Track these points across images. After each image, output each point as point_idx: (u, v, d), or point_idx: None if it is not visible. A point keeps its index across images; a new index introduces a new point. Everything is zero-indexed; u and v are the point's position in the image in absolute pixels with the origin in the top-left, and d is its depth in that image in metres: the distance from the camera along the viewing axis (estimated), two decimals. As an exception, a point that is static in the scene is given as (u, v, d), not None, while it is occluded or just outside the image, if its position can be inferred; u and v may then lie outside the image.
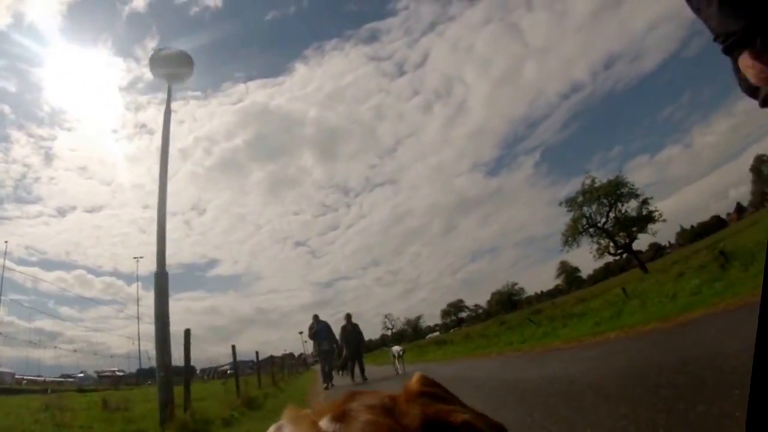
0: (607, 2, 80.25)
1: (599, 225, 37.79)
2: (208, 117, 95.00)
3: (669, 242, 65.52)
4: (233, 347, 12.54)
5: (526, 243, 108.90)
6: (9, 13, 68.09)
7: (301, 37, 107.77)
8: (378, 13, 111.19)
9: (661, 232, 68.78)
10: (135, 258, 51.20)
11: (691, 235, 58.46)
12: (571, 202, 38.59)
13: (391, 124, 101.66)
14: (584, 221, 37.85)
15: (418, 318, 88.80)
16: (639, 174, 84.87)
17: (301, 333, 52.33)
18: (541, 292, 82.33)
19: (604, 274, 67.21)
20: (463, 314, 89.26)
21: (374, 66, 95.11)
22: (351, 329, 14.16)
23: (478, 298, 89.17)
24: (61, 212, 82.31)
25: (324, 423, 0.43)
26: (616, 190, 37.03)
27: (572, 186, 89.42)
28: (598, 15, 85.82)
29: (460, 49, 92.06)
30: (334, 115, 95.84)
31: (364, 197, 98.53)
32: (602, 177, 38.40)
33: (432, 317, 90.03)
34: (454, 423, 0.43)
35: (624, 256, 41.68)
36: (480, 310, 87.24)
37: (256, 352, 17.61)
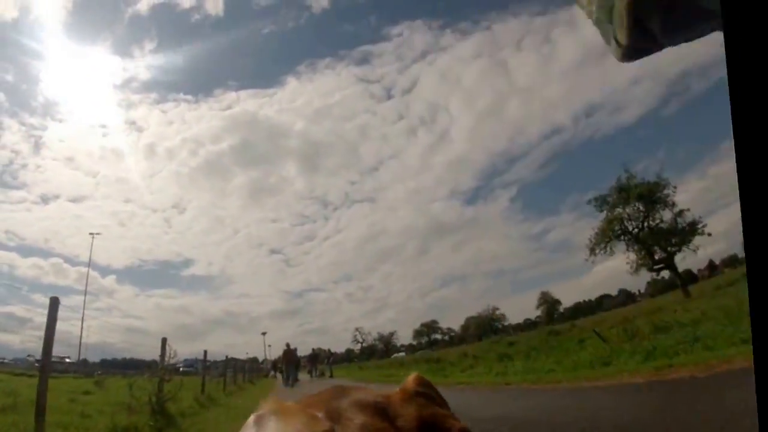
0: (593, 53, 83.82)
1: (632, 232, 31.77)
2: (197, 120, 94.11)
3: (639, 290, 64.40)
4: (205, 352, 14.83)
5: (495, 274, 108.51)
6: (16, 6, 66.79)
7: (295, 52, 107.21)
8: (373, 37, 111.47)
9: (628, 281, 70.51)
10: (91, 234, 50.77)
11: (661, 287, 58.47)
12: (601, 201, 32.79)
13: (375, 144, 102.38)
14: (617, 226, 31.83)
15: (391, 334, 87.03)
16: None
17: (264, 334, 51.07)
18: (524, 320, 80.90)
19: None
20: (437, 336, 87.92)
21: (363, 87, 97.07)
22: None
23: (446, 323, 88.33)
24: (45, 200, 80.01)
25: (319, 419, 0.39)
26: (653, 194, 30.71)
27: (545, 224, 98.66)
28: (583, 64, 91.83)
29: (448, 80, 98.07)
30: (320, 129, 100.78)
31: (342, 212, 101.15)
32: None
33: (403, 337, 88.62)
34: (451, 430, 0.41)
35: (658, 275, 36.22)
36: (453, 334, 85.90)
37: (227, 356, 20.57)
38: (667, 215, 31.55)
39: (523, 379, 9.70)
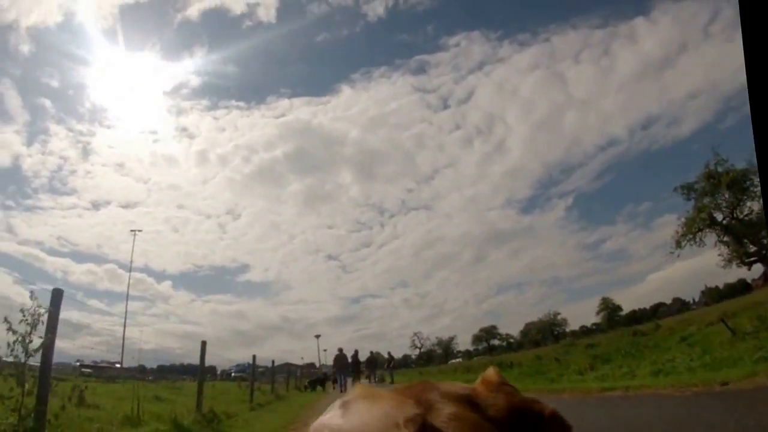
0: (651, 66, 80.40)
1: (722, 222, 29.17)
2: (250, 127, 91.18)
3: (693, 299, 61.52)
4: (254, 357, 14.67)
5: (550, 282, 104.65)
6: (60, 11, 63.25)
7: (350, 60, 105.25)
8: (430, 46, 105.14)
9: (680, 290, 70.19)
10: (132, 231, 50.84)
11: (716, 295, 54.48)
12: (689, 189, 30.33)
13: (431, 153, 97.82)
14: (706, 215, 29.02)
15: (451, 339, 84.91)
16: (666, 230, 78.85)
17: (317, 337, 50.94)
18: (580, 327, 77.30)
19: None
20: (495, 341, 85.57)
21: (419, 97, 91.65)
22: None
23: (502, 329, 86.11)
24: (96, 206, 77.83)
25: (409, 407, 0.39)
26: (744, 181, 27.53)
27: (601, 234, 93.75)
28: (641, 77, 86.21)
29: (504, 91, 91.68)
30: (376, 138, 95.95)
31: (399, 219, 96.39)
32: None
33: (460, 343, 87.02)
34: (543, 413, 0.43)
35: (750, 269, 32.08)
36: (511, 340, 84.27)
37: (273, 361, 20.53)
38: (755, 206, 27.95)
39: (642, 383, 7.94)
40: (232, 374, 34.81)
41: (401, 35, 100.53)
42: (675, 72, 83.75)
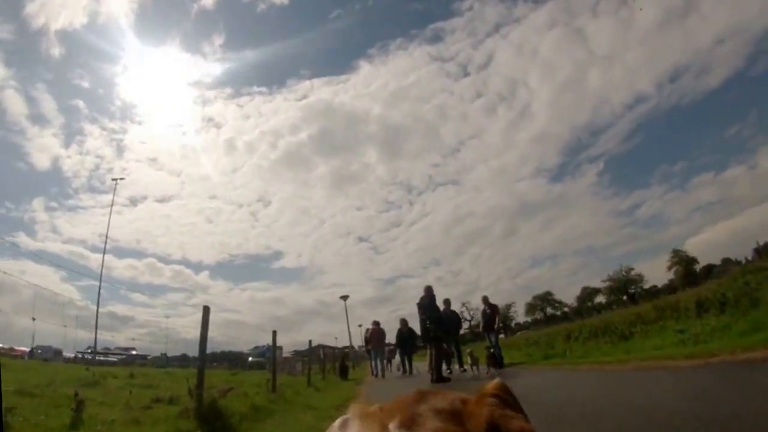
0: (674, 13, 76.72)
1: None
2: (273, 112, 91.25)
3: (746, 257, 52.87)
4: (274, 334, 10.31)
5: (585, 252, 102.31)
6: (84, 13, 65.44)
7: (365, 35, 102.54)
8: (443, 13, 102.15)
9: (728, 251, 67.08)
10: (113, 179, 48.71)
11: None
12: None
13: (455, 124, 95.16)
14: None
15: (509, 306, 79.32)
16: (703, 191, 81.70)
17: (360, 326, 46.68)
18: (651, 287, 70.05)
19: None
20: (550, 310, 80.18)
21: (438, 66, 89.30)
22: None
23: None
24: (133, 202, 79.85)
25: (393, 426, 0.43)
26: None
27: (635, 198, 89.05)
28: (664, 25, 79.64)
29: (524, 53, 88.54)
30: (398, 113, 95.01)
31: (427, 196, 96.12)
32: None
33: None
34: (512, 429, 0.44)
35: None
36: (565, 308, 78.88)
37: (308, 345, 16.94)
38: None
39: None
40: (249, 359, 30.14)
41: (413, 4, 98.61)
42: (699, 16, 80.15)
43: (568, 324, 38.53)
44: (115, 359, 28.89)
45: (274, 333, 10.28)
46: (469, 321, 68.35)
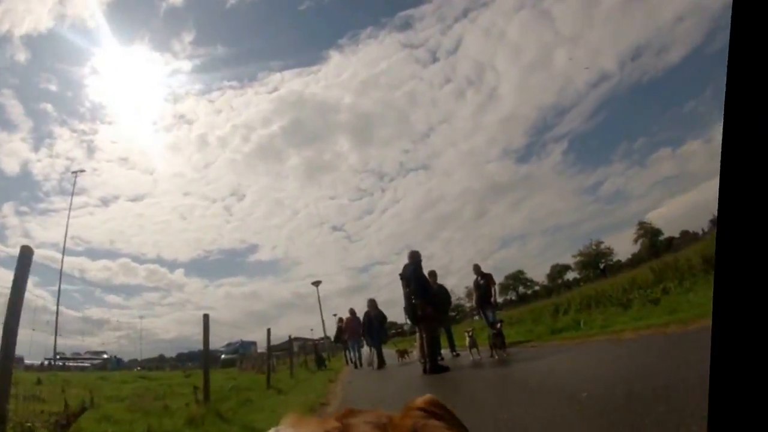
0: None
1: None
2: (245, 106, 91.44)
3: (702, 229, 57.21)
4: (268, 330, 11.26)
5: (553, 230, 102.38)
6: (50, 16, 67.27)
7: (335, 25, 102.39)
8: (413, 0, 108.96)
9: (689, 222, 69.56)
10: (73, 173, 47.75)
11: None
12: None
13: (425, 110, 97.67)
14: None
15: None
16: (662, 166, 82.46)
17: (335, 315, 45.24)
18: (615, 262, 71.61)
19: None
20: (522, 289, 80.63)
21: (408, 53, 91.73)
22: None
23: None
24: (105, 202, 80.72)
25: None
26: None
27: (598, 176, 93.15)
28: (626, 4, 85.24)
29: (492, 36, 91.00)
30: (369, 101, 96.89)
31: (399, 182, 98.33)
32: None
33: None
34: None
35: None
36: (537, 287, 79.55)
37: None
38: None
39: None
40: (222, 357, 28.26)
41: None
42: None
43: (546, 300, 38.09)
44: (87, 364, 28.29)
45: (271, 332, 8.54)
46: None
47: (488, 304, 10.86)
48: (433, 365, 7.80)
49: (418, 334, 8.79)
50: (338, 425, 0.45)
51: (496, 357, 7.86)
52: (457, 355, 10.50)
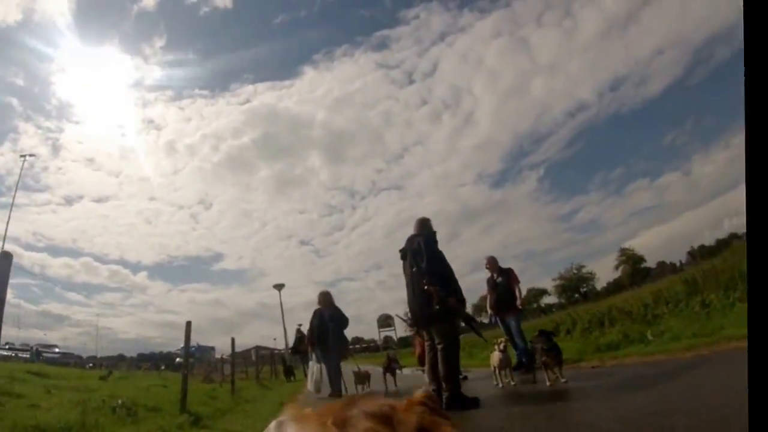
0: (616, 24, 78.88)
1: None
2: (216, 115, 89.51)
3: (680, 261, 57.31)
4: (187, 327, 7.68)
5: (525, 256, 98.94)
6: (19, 9, 66.71)
7: (310, 41, 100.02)
8: (389, 21, 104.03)
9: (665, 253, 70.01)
10: (22, 156, 44.21)
11: (706, 253, 48.88)
12: None
13: (399, 130, 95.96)
14: None
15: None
16: (639, 197, 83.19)
17: (300, 326, 43.23)
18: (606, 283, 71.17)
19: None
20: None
21: (383, 73, 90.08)
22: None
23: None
24: (69, 201, 78.80)
25: (326, 427, 0.45)
26: None
27: (574, 204, 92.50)
28: (606, 36, 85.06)
29: (469, 61, 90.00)
30: (342, 119, 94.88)
31: (370, 200, 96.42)
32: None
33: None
34: None
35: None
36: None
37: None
38: None
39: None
40: (177, 360, 26.81)
41: (360, 11, 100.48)
42: (640, 27, 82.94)
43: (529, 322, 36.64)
44: (27, 356, 27.91)
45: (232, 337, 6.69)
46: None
47: (510, 310, 8.22)
48: (455, 395, 5.08)
49: (419, 345, 6.29)
50: (340, 417, 0.44)
51: (549, 383, 5.56)
52: (465, 377, 7.72)
